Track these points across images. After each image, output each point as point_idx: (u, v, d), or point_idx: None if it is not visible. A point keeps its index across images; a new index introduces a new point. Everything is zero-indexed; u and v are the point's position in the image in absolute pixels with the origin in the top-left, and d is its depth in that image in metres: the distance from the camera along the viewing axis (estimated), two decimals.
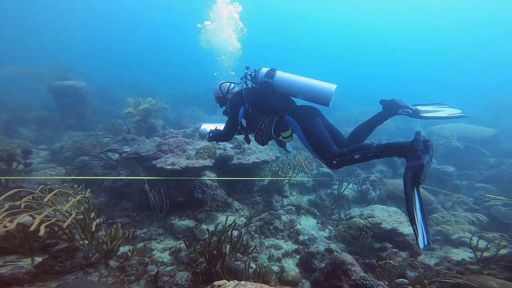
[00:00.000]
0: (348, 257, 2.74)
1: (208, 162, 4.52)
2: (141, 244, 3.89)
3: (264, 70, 2.58)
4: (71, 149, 7.01)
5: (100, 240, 3.34)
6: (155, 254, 3.72)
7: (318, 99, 2.39)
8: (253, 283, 1.88)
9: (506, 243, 3.31)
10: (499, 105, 15.82)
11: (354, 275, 2.55)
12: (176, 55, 41.80)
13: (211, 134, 2.86)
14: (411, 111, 2.26)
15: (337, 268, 2.69)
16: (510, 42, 40.00)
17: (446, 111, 2.37)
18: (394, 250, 3.20)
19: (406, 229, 3.61)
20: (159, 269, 3.32)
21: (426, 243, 1.72)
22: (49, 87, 9.54)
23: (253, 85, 2.74)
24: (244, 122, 2.75)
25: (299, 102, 2.63)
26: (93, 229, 2.94)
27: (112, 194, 5.08)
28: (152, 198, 4.24)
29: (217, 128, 2.97)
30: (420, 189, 5.14)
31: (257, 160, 5.04)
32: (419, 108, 2.36)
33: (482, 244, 4.07)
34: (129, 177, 4.65)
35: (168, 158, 4.59)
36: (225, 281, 2.01)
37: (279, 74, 2.51)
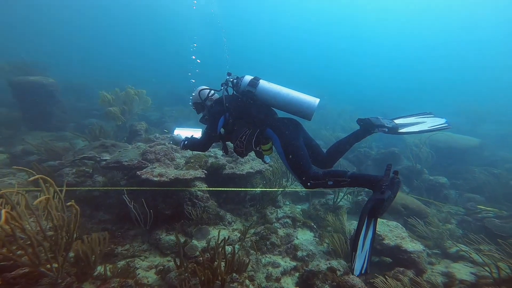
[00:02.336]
0: (357, 281, 2.72)
1: (200, 173, 4.34)
2: (122, 263, 3.62)
3: (248, 78, 2.55)
4: (37, 151, 6.47)
5: (72, 259, 3.05)
6: (139, 274, 3.49)
7: (301, 112, 2.41)
8: None
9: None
10: (476, 112, 16.85)
11: None
12: (158, 52, 40.77)
13: (186, 142, 2.76)
14: (387, 130, 2.36)
15: None
16: (487, 48, 43.37)
17: (428, 123, 2.46)
18: (401, 269, 3.23)
19: (409, 245, 3.67)
20: None
21: (363, 272, 1.92)
22: (10, 83, 8.79)
23: (234, 92, 2.70)
24: (222, 131, 2.70)
25: (280, 113, 2.64)
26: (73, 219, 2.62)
27: (86, 205, 4.73)
28: (133, 210, 3.98)
29: (193, 136, 2.88)
30: (417, 201, 5.26)
31: (251, 170, 4.94)
32: (398, 122, 2.48)
33: (477, 256, 4.27)
34: (112, 188, 4.33)
35: (154, 168, 4.35)
36: None
37: (263, 83, 2.49)
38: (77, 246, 2.94)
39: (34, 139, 7.29)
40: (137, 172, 4.26)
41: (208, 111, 2.78)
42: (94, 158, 4.73)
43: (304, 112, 2.39)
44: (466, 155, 9.20)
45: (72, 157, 4.69)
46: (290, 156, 2.30)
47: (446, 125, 2.40)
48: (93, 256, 3.07)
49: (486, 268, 3.32)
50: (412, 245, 3.65)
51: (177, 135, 2.96)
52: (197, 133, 3.06)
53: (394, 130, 2.37)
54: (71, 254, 3.00)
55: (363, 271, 1.91)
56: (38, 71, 9.89)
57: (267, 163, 2.94)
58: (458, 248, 4.31)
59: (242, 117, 2.54)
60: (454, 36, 43.05)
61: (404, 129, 2.41)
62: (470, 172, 8.35)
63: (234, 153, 2.80)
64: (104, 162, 4.59)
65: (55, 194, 2.71)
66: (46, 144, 6.63)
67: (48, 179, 2.61)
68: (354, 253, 1.87)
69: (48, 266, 2.65)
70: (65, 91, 10.26)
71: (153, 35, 44.52)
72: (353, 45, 50.04)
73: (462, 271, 3.81)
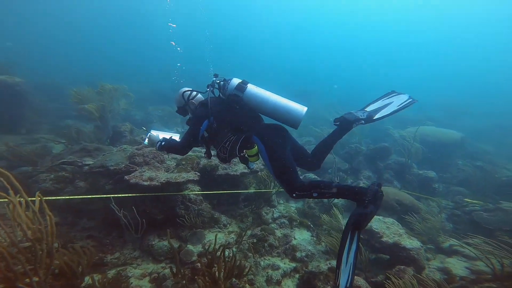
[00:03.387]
0: (363, 283, 2.74)
1: (192, 176, 4.22)
2: (113, 272, 3.48)
3: (235, 81, 2.53)
4: (6, 157, 6.01)
5: (56, 270, 2.87)
6: (132, 283, 3.38)
7: (288, 120, 2.45)
8: None
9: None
10: (455, 106, 17.85)
11: None
12: (140, 48, 39.08)
13: (163, 143, 2.62)
14: (363, 122, 2.47)
15: None
16: (467, 45, 46.04)
17: (395, 102, 2.57)
18: (402, 267, 3.31)
19: (408, 242, 3.77)
20: None
21: (348, 286, 1.95)
22: None
23: (221, 95, 2.66)
24: (205, 134, 2.63)
25: (265, 119, 2.64)
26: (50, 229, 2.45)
27: (67, 212, 4.50)
28: (123, 218, 3.81)
29: (172, 138, 2.78)
30: (410, 197, 5.42)
31: (245, 170, 4.88)
32: (369, 109, 2.59)
33: (470, 250, 4.48)
34: (99, 196, 4.11)
35: (143, 171, 4.18)
36: None
37: (251, 88, 2.48)
38: (60, 258, 2.78)
39: (2, 144, 6.78)
40: (125, 177, 4.07)
41: (192, 113, 2.73)
42: (75, 163, 4.46)
43: (291, 120, 2.42)
44: (450, 148, 9.62)
45: (50, 162, 4.39)
46: (276, 165, 2.31)
47: (411, 100, 2.51)
48: (80, 267, 2.93)
49: (483, 263, 3.45)
50: (410, 242, 3.76)
51: (155, 135, 2.81)
52: (176, 136, 2.96)
53: (369, 119, 2.47)
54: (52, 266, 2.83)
55: (348, 285, 1.93)
56: (1, 70, 9.18)
57: (251, 169, 2.88)
58: (451, 243, 4.51)
59: (227, 122, 2.49)
60: (437, 32, 45.40)
61: (378, 114, 2.50)
62: (455, 165, 8.74)
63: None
64: (87, 167, 4.34)
65: (26, 203, 2.49)
66: (13, 150, 6.15)
67: (15, 182, 2.36)
68: (338, 270, 1.92)
69: (27, 280, 2.47)
70: (35, 91, 9.66)
71: (133, 31, 42.67)
72: (340, 40, 51.43)
73: (457, 265, 3.98)
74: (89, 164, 4.38)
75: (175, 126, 7.91)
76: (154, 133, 2.85)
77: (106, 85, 8.05)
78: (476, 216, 5.20)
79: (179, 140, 2.65)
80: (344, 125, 2.47)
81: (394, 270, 3.25)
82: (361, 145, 8.33)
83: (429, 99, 19.22)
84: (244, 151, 2.46)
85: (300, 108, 2.41)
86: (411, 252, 3.60)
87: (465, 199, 6.12)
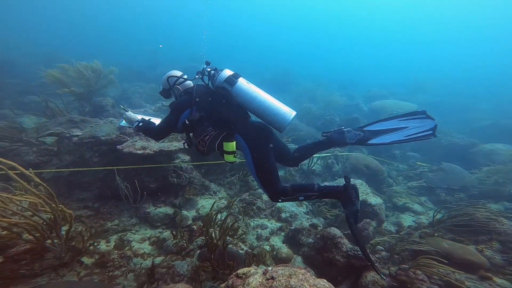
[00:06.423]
0: (337, 231, 3.22)
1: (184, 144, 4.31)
2: (115, 237, 3.68)
3: (226, 73, 2.34)
4: None
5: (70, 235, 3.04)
6: (134, 246, 3.61)
7: (273, 122, 2.29)
8: (282, 267, 1.93)
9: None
10: (416, 83, 19.36)
11: (344, 247, 3.06)
12: (114, 22, 34.63)
13: (141, 124, 2.50)
14: (348, 145, 2.40)
15: (328, 243, 3.16)
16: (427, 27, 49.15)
17: (409, 129, 2.33)
18: (368, 220, 3.91)
19: (372, 199, 4.39)
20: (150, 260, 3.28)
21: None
22: None
23: (210, 84, 2.49)
24: (186, 122, 2.42)
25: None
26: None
27: (59, 186, 4.45)
28: (125, 190, 3.90)
29: (151, 120, 2.66)
30: (375, 161, 6.09)
31: None
32: (371, 128, 2.43)
33: (417, 207, 5.33)
34: (103, 168, 4.08)
35: (135, 141, 4.19)
36: (249, 268, 1.98)
37: (241, 83, 2.30)
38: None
39: None
40: (118, 146, 4.07)
41: (175, 99, 2.60)
42: (63, 134, 4.28)
43: (277, 123, 2.27)
44: None
45: (35, 133, 4.17)
46: (260, 170, 2.25)
47: (430, 133, 2.26)
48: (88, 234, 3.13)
49: (425, 216, 4.21)
50: (375, 199, 4.39)
51: (134, 115, 2.72)
52: (155, 120, 2.82)
53: (361, 142, 2.35)
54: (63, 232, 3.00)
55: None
56: None
57: (231, 163, 2.66)
58: (405, 201, 5.31)
59: (210, 115, 2.32)
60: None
61: (375, 139, 2.35)
62: None
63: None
64: (76, 138, 4.22)
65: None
66: None
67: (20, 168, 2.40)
68: (373, 264, 2.15)
69: (49, 241, 2.70)
70: None
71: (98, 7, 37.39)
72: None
73: (407, 220, 4.81)
74: (78, 135, 4.24)
75: (160, 100, 7.56)
76: (131, 113, 2.75)
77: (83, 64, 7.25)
78: (425, 177, 6.05)
79: (158, 124, 2.52)
80: (330, 142, 2.40)
81: (361, 223, 3.83)
82: (335, 117, 8.84)
83: (392, 78, 20.60)
84: (221, 146, 2.34)
85: (289, 112, 2.25)
86: (374, 208, 4.23)
87: (417, 162, 7.01)
